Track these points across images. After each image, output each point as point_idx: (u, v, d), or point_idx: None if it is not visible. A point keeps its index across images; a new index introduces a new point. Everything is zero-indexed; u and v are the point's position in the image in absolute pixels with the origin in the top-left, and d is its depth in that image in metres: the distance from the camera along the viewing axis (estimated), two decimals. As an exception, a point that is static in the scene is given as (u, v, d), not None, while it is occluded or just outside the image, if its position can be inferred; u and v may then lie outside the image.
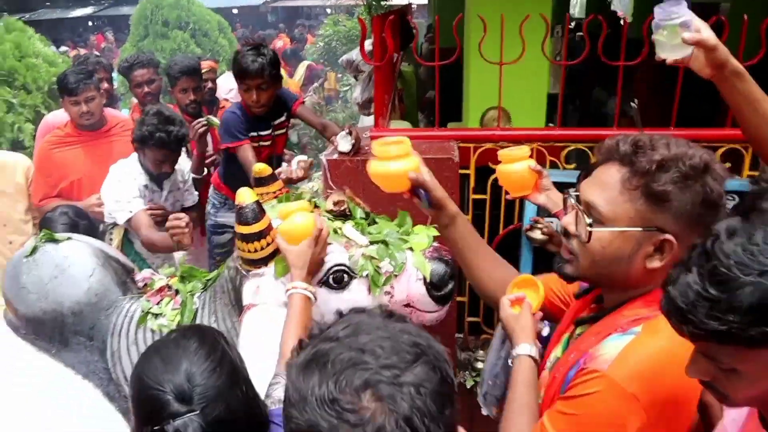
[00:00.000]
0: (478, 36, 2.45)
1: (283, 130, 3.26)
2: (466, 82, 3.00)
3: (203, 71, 4.38)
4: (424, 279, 1.94)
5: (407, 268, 1.94)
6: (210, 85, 4.36)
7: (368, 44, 3.14)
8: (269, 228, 1.82)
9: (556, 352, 1.49)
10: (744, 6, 2.64)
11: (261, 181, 2.10)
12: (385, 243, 1.95)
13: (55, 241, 2.06)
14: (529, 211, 2.49)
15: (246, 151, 2.97)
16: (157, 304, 2.02)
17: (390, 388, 0.75)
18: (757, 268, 0.85)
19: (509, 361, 1.51)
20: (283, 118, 3.20)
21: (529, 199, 1.95)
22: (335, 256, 1.88)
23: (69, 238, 2.08)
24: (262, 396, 1.41)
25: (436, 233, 2.02)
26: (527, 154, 1.92)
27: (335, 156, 2.41)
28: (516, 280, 1.57)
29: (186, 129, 2.89)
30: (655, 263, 1.23)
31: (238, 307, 1.92)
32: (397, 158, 1.62)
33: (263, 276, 1.84)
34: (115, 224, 2.79)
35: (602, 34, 2.39)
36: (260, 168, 2.09)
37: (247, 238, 1.80)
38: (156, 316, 2.00)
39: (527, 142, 2.49)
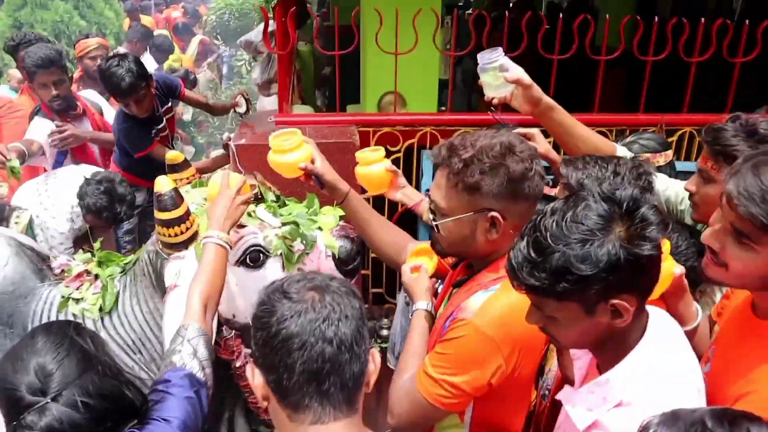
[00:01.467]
0: (374, 27, 2.64)
1: (171, 113, 3.43)
2: (363, 68, 3.19)
3: (92, 48, 4.28)
4: (333, 255, 2.14)
5: (317, 246, 2.14)
6: (99, 62, 4.27)
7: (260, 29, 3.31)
8: (188, 213, 1.94)
9: (441, 310, 1.76)
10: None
11: (175, 168, 2.20)
12: (296, 224, 2.12)
13: (-35, 232, 2.07)
14: (426, 181, 2.77)
15: (159, 150, 3.18)
16: (77, 289, 2.10)
17: (326, 283, 1.14)
18: (563, 239, 1.13)
19: (410, 315, 1.77)
20: (169, 104, 3.38)
21: (386, 196, 2.19)
22: (250, 238, 2.03)
23: (-21, 229, 2.10)
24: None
25: (342, 213, 2.23)
26: (383, 155, 2.15)
27: (243, 141, 2.54)
28: (415, 249, 1.82)
29: (131, 210, 2.90)
30: (494, 236, 1.52)
31: (159, 288, 2.04)
32: (290, 151, 1.90)
33: (184, 258, 1.96)
34: (19, 208, 2.76)
35: (486, 27, 2.66)
36: (173, 156, 2.19)
37: (168, 224, 1.91)
38: (77, 300, 2.08)
39: (421, 126, 2.73)
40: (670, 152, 2.33)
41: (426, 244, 1.84)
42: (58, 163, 3.17)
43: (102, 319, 2.08)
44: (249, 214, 2.09)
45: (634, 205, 1.13)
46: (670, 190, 2.07)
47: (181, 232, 1.93)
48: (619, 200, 1.14)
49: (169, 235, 1.93)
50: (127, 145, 3.26)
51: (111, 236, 3.28)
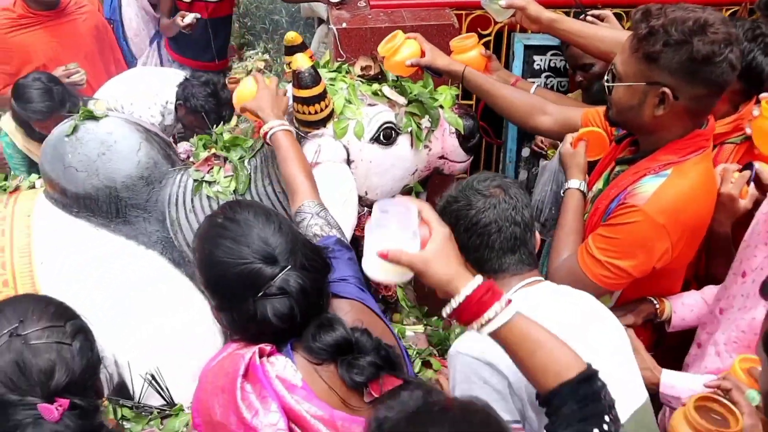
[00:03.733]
0: None
1: None
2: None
3: None
4: (457, 132, 2.16)
5: (441, 123, 2.15)
6: None
7: None
8: (326, 90, 1.94)
9: (598, 185, 1.80)
10: None
11: (292, 50, 2.16)
12: (420, 102, 2.13)
13: (95, 118, 2.05)
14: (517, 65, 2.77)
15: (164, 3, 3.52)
16: (208, 172, 2.11)
17: (504, 181, 1.40)
18: None
19: (561, 192, 1.82)
20: None
21: None
22: (383, 115, 2.05)
23: (107, 115, 2.08)
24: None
25: (458, 92, 2.24)
26: (476, 41, 2.23)
27: (344, 25, 2.50)
28: (584, 131, 1.82)
29: (231, 112, 2.87)
30: (660, 111, 1.51)
31: (293, 168, 2.06)
32: (397, 51, 2.06)
33: (323, 136, 1.99)
34: (94, 98, 2.76)
35: None
36: (292, 36, 2.15)
37: (308, 101, 1.92)
38: (209, 183, 2.09)
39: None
40: None
41: (597, 130, 1.81)
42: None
43: (236, 201, 2.11)
44: (375, 93, 2.09)
45: None
46: None
47: (321, 110, 1.94)
48: None
49: (309, 113, 1.93)
50: None
51: None
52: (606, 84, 1.60)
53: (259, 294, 1.19)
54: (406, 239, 1.08)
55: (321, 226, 1.51)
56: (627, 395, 1.28)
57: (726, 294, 1.59)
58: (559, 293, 1.40)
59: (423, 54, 2.08)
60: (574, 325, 1.28)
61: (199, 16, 3.40)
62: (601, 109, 1.80)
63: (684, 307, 1.74)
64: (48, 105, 2.65)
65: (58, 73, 2.90)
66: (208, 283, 1.29)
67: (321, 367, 1.19)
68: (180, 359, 2.01)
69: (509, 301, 1.08)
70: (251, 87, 1.93)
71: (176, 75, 2.91)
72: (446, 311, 1.08)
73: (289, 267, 1.21)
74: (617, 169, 1.73)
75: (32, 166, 2.84)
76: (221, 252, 1.23)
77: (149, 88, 2.81)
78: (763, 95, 1.68)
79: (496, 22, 2.72)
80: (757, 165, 1.68)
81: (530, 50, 2.78)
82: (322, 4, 4.26)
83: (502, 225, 1.34)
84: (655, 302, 1.75)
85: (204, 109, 2.76)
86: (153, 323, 2.03)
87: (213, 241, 1.26)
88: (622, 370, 1.33)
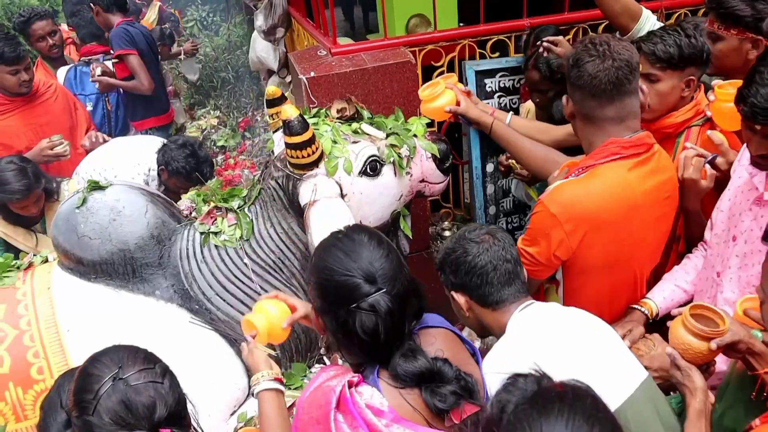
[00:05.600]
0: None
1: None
2: (389, -1, 3.39)
3: None
4: (434, 156, 2.39)
5: (418, 150, 2.38)
6: None
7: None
8: (314, 134, 2.14)
9: None
10: None
11: (273, 103, 2.36)
12: (396, 133, 2.36)
13: (101, 188, 2.21)
14: (471, 89, 3.02)
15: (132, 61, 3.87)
16: (212, 224, 2.28)
17: (491, 228, 1.69)
18: None
19: None
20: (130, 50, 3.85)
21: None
22: (367, 149, 2.25)
23: (111, 184, 2.24)
24: None
25: (428, 120, 2.48)
26: (443, 87, 2.40)
27: (312, 74, 2.72)
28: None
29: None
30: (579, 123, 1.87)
31: (292, 209, 2.25)
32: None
33: (317, 176, 2.18)
34: (66, 178, 2.92)
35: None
36: (272, 91, 2.35)
37: (300, 146, 2.11)
38: (216, 234, 2.26)
39: (461, 39, 2.97)
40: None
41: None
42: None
43: (243, 247, 2.28)
44: (356, 131, 2.31)
45: None
46: None
47: (312, 152, 2.14)
48: None
49: (302, 156, 2.13)
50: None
51: None
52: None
53: (352, 306, 1.33)
54: None
55: None
56: (629, 373, 1.54)
57: (720, 259, 1.82)
58: (549, 307, 1.66)
59: (458, 103, 2.32)
60: (568, 328, 1.58)
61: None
62: None
63: (665, 301, 1.97)
64: (25, 183, 2.76)
65: (42, 145, 3.03)
66: (316, 284, 1.43)
67: (405, 391, 1.32)
68: (210, 399, 2.16)
69: None
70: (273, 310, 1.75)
71: (154, 141, 3.05)
72: None
73: (384, 290, 1.33)
74: None
75: (9, 251, 2.89)
76: (331, 260, 1.38)
77: (130, 159, 2.94)
78: (714, 81, 1.98)
79: (446, 54, 3.01)
80: (713, 135, 1.94)
81: (481, 74, 3.05)
82: (271, 57, 4.54)
83: (496, 264, 1.62)
84: (642, 309, 1.95)
85: (186, 170, 2.91)
86: (182, 371, 2.16)
87: (328, 250, 1.42)
88: (618, 356, 1.57)
